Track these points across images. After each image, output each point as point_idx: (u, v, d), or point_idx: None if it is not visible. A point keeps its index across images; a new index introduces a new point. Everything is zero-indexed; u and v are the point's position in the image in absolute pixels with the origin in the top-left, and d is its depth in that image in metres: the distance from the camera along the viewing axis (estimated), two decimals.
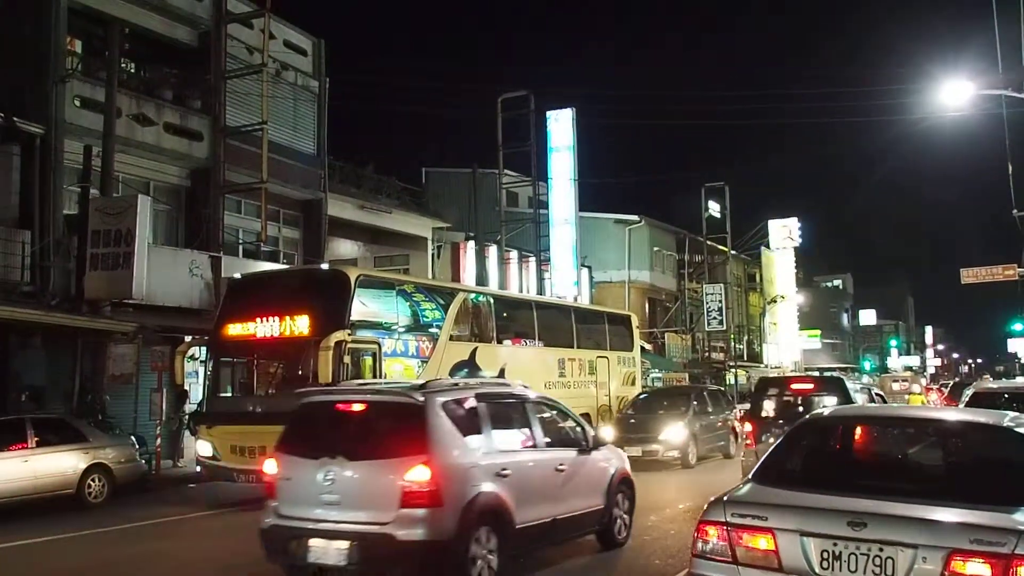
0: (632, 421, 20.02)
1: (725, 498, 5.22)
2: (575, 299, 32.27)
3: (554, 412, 9.68)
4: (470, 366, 17.47)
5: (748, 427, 14.71)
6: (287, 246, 25.13)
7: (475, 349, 17.78)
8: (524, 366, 19.15)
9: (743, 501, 5.16)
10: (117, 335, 17.76)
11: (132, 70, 22.00)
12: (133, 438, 16.63)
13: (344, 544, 7.29)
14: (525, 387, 9.55)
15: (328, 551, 7.34)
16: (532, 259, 35.04)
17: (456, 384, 8.90)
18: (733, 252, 52.49)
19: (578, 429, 9.68)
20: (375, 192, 30.63)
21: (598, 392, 21.99)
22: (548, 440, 8.98)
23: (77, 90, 19.10)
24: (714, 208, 49.86)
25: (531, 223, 35.13)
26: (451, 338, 17.28)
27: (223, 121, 22.13)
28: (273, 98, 23.10)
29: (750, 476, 5.62)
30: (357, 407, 8.09)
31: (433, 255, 32.17)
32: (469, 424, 7.98)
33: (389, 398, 8.23)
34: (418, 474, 7.24)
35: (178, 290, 19.67)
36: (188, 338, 16.98)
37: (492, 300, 19.65)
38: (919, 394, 44.98)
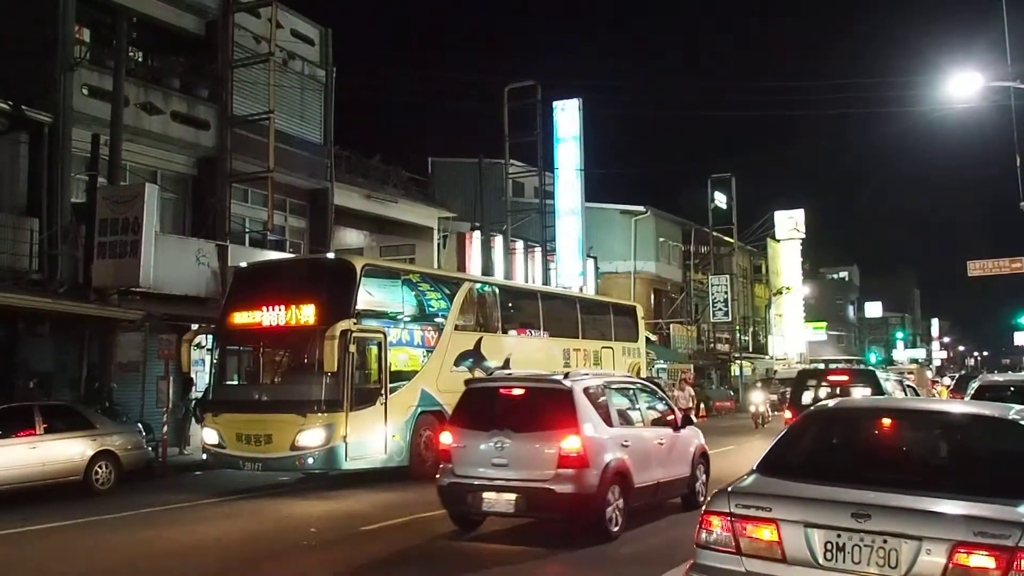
0: None
1: (729, 489, 5.23)
2: (580, 290, 32.28)
3: (655, 397, 11.78)
4: (475, 356, 17.50)
5: (788, 415, 16.68)
6: (293, 235, 25.16)
7: (480, 339, 17.82)
8: (529, 356, 19.16)
9: (747, 492, 5.17)
10: (124, 323, 17.85)
11: (140, 59, 22.04)
12: (140, 425, 16.74)
13: (512, 496, 9.41)
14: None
15: (499, 501, 9.49)
16: (538, 249, 35.04)
17: (588, 373, 11.34)
18: (739, 243, 52.49)
19: (671, 411, 11.72)
20: (381, 182, 30.64)
21: None
22: (653, 418, 11.23)
23: (85, 79, 19.13)
24: (720, 199, 49.81)
25: (537, 213, 35.16)
26: (456, 328, 17.32)
27: (230, 110, 22.15)
28: (280, 87, 23.10)
29: (754, 467, 5.63)
30: (518, 391, 10.30)
31: (439, 245, 32.20)
32: (601, 405, 10.06)
33: (544, 384, 10.27)
34: (570, 443, 9.30)
35: (185, 278, 19.71)
36: (195, 326, 17.03)
37: (497, 290, 19.67)
38: (947, 386, 44.90)
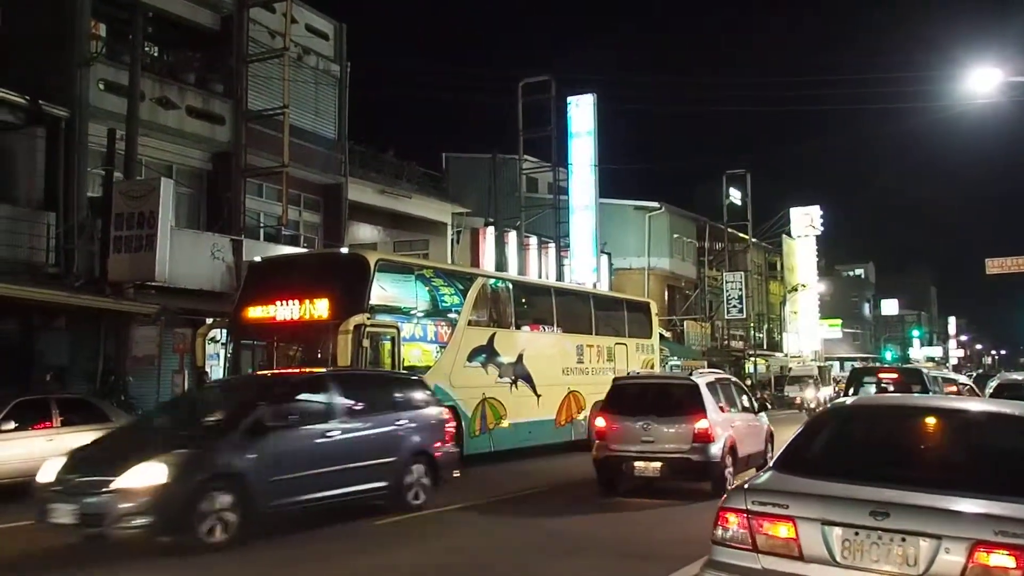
0: None
1: (746, 485, 5.20)
2: (594, 286, 32.22)
3: (741, 390, 14.79)
4: (488, 351, 17.46)
5: None
6: (308, 230, 25.20)
7: (494, 334, 17.77)
8: (542, 352, 19.14)
9: (764, 489, 5.14)
10: (140, 317, 17.91)
11: (155, 54, 22.12)
12: None
13: (658, 464, 12.51)
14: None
15: (648, 468, 12.53)
16: (552, 245, 35.02)
17: (703, 371, 14.87)
18: (754, 240, 52.31)
19: (751, 400, 14.91)
20: (395, 177, 30.66)
21: None
22: (743, 406, 14.33)
23: (101, 73, 19.20)
24: (735, 195, 49.66)
25: (551, 209, 35.11)
26: (469, 323, 17.27)
27: (245, 105, 22.20)
28: (294, 82, 23.14)
29: (771, 464, 5.60)
30: (658, 386, 13.94)
31: (453, 240, 32.20)
32: (716, 396, 13.20)
33: (677, 381, 13.96)
34: (702, 424, 12.42)
35: (200, 273, 19.77)
36: (209, 320, 17.09)
37: (511, 285, 19.60)
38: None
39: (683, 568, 7.76)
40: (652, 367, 23.63)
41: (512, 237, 33.13)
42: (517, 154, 34.31)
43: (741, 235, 51.21)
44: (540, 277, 32.57)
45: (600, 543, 9.52)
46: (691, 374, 14.13)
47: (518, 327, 18.96)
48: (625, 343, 22.56)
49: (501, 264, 31.19)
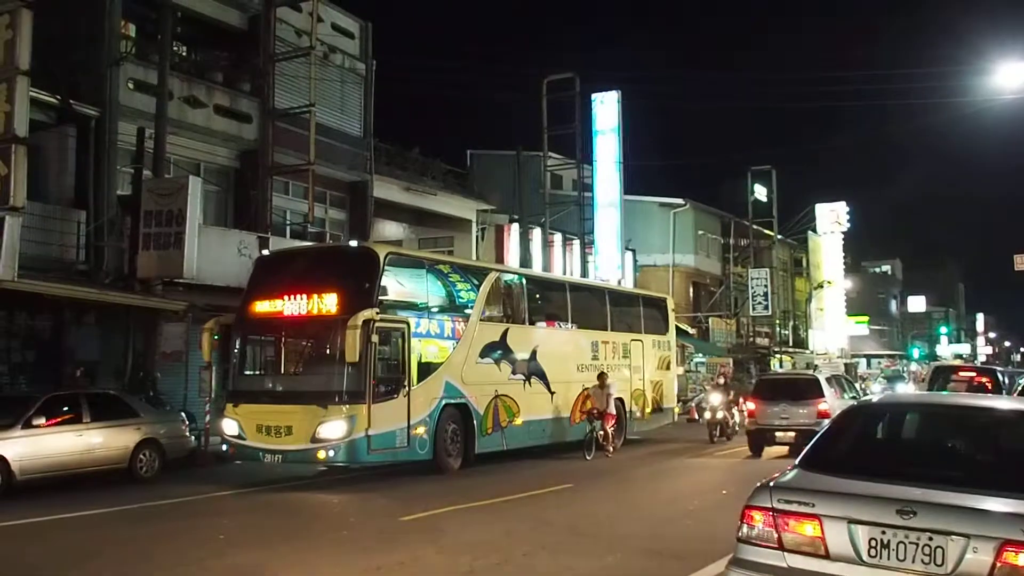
0: None
1: (771, 483, 5.20)
2: (619, 282, 32.16)
3: (848, 381, 21.10)
4: (502, 347, 17.12)
5: None
6: (334, 227, 25.33)
7: (507, 330, 17.45)
8: (557, 348, 18.79)
9: (789, 487, 5.14)
10: (168, 313, 18.10)
11: (184, 53, 22.33)
12: (183, 414, 16.96)
13: (792, 434, 17.99)
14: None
15: (785, 437, 18.31)
16: (576, 242, 34.99)
17: (819, 366, 22.60)
18: (779, 236, 51.96)
19: (856, 391, 20.99)
20: (420, 174, 30.73)
21: (632, 376, 21.42)
22: (851, 395, 19.77)
23: (131, 73, 19.42)
24: (760, 192, 49.35)
25: (575, 206, 35.07)
26: (482, 318, 16.93)
27: (272, 103, 22.36)
28: (321, 81, 23.28)
29: (796, 462, 5.60)
30: (788, 380, 21.01)
31: (477, 237, 32.22)
32: (832, 386, 19.38)
33: (803, 376, 21.98)
34: (823, 406, 17.76)
35: (227, 270, 19.91)
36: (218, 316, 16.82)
37: (524, 280, 19.24)
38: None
39: (708, 566, 7.77)
40: (668, 364, 23.27)
41: (536, 234, 33.13)
42: (542, 151, 34.28)
43: (766, 231, 50.88)
44: (565, 274, 32.51)
45: (624, 540, 9.51)
46: (815, 370, 19.51)
47: (532, 323, 18.60)
48: (641, 339, 22.14)
49: (525, 261, 31.20)
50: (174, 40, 20.80)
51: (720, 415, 21.98)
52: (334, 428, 13.53)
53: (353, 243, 17.68)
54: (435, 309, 16.02)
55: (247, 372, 15.44)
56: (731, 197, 49.04)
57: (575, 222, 34.75)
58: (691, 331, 42.77)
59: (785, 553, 4.93)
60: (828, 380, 19.74)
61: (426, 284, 16.14)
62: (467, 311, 16.69)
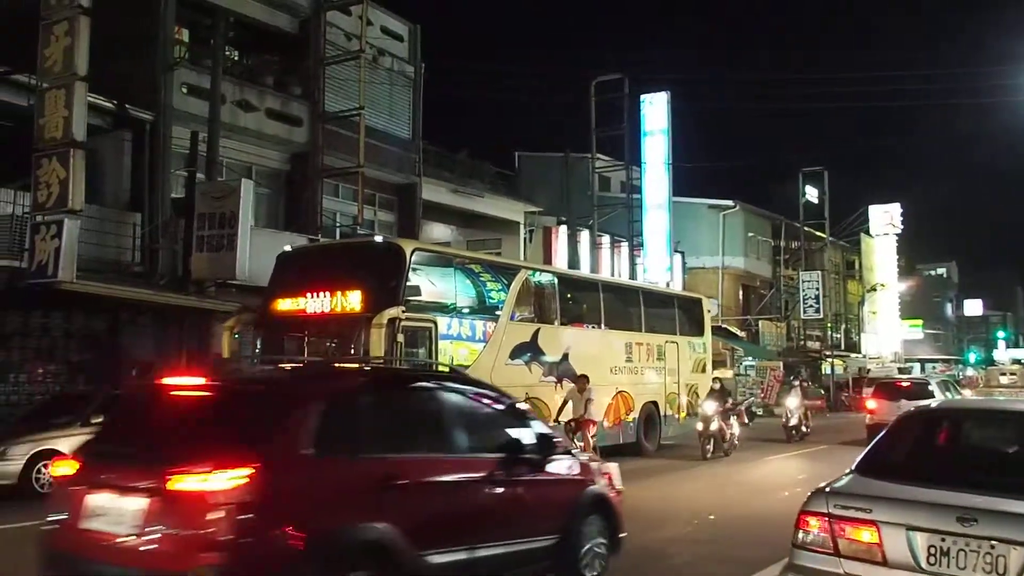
0: None
1: (827, 489, 5.14)
2: (667, 285, 31.95)
3: (958, 386, 25.23)
4: (532, 349, 16.37)
5: None
6: (383, 229, 25.48)
7: (537, 330, 16.68)
8: (589, 350, 17.95)
9: (846, 492, 5.07)
10: (221, 314, 18.34)
11: (236, 58, 22.64)
12: None
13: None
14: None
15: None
16: (624, 244, 34.86)
17: (935, 374, 29.21)
18: (831, 238, 51.26)
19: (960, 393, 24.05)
20: (468, 176, 30.83)
21: (666, 379, 20.66)
22: (961, 397, 22.21)
23: (184, 78, 19.73)
24: (812, 193, 48.74)
25: (624, 208, 34.95)
26: (512, 318, 16.23)
27: (322, 107, 22.58)
28: (370, 84, 23.44)
29: (852, 467, 5.52)
30: (905, 384, 24.79)
31: (525, 239, 32.23)
32: (942, 388, 23.75)
33: (917, 379, 28.31)
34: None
35: None
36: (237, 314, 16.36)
37: (556, 279, 18.55)
38: None
39: (761, 571, 7.68)
40: (704, 367, 22.59)
41: (585, 236, 33.05)
42: (590, 153, 34.21)
43: (818, 233, 50.23)
44: (613, 276, 32.37)
45: (675, 546, 9.40)
46: (927, 375, 21.05)
47: (563, 323, 17.81)
48: (676, 341, 21.35)
49: (574, 263, 31.14)
50: (226, 45, 21.12)
51: (714, 426, 18.81)
52: None
53: (378, 238, 17.09)
54: (463, 308, 15.34)
55: None
56: (782, 199, 48.54)
57: (623, 224, 34.61)
58: (740, 334, 42.35)
59: (841, 559, 4.86)
60: (939, 384, 24.53)
61: (454, 282, 15.48)
62: (496, 310, 16.01)
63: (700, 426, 18.93)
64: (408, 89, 26.05)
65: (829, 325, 51.33)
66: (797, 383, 25.27)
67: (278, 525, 5.12)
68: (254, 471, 5.03)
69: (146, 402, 6.32)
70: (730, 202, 44.23)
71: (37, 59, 15.27)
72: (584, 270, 30.19)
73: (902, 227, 58.08)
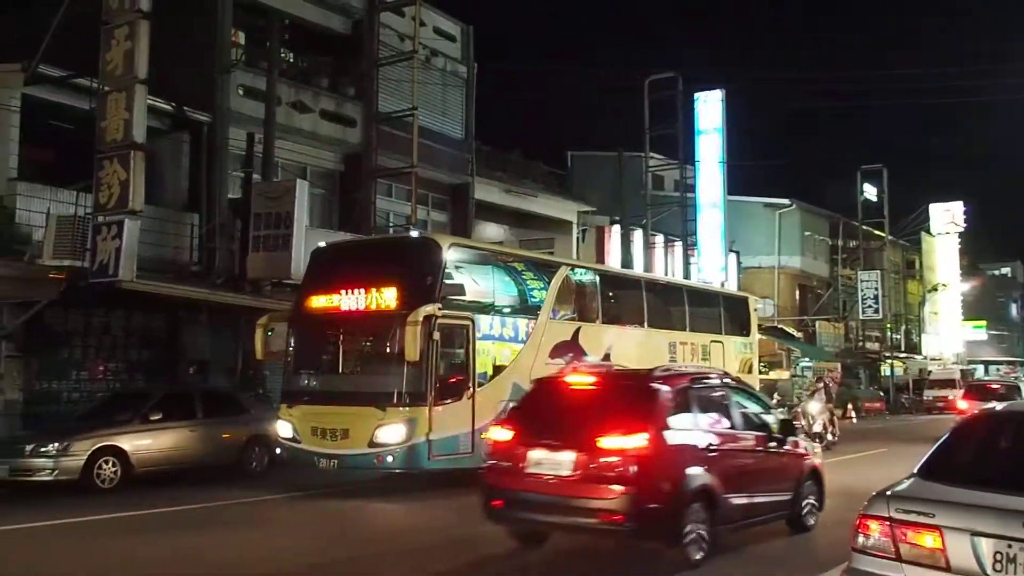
0: None
1: (888, 492, 5.01)
2: (722, 284, 31.57)
3: None
4: (573, 348, 15.86)
5: None
6: (436, 229, 25.57)
7: (578, 329, 16.16)
8: (631, 350, 17.30)
9: (908, 496, 4.94)
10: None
11: (291, 59, 22.87)
12: None
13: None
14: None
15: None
16: (678, 244, 34.57)
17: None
18: (890, 237, 50.32)
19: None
20: (521, 176, 30.81)
21: None
22: None
23: (240, 80, 19.98)
24: (870, 191, 47.93)
25: (677, 207, 34.66)
26: (553, 316, 15.80)
27: (375, 107, 22.71)
28: (423, 84, 23.52)
29: (914, 471, 5.37)
30: (998, 386, 26.68)
31: (578, 239, 32.12)
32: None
33: (1006, 381, 32.92)
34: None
35: None
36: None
37: (598, 276, 18.05)
38: None
39: (820, 575, 7.54)
40: (750, 367, 21.85)
41: (638, 236, 32.85)
42: (642, 152, 33.99)
43: (877, 232, 49.34)
44: (667, 275, 32.06)
45: (726, 547, 9.28)
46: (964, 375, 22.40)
47: (605, 322, 17.25)
48: (722, 341, 20.64)
49: (627, 263, 30.96)
50: (281, 47, 21.36)
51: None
52: (393, 432, 12.62)
53: (414, 233, 16.77)
54: (502, 305, 14.91)
55: (302, 371, 14.45)
56: (839, 197, 47.80)
57: (677, 223, 34.34)
58: (797, 334, 41.77)
59: (903, 564, 4.74)
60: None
61: (492, 278, 15.03)
62: (536, 308, 15.58)
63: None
64: (460, 89, 26.11)
65: (889, 326, 50.41)
66: (821, 384, 24.02)
67: (660, 470, 8.05)
68: (648, 436, 8.04)
69: (551, 391, 9.24)
70: (786, 201, 43.66)
71: (99, 63, 15.55)
72: (637, 270, 29.97)
73: (964, 225, 56.77)
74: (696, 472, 8.29)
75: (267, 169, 19.30)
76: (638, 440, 7.99)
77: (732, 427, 9.16)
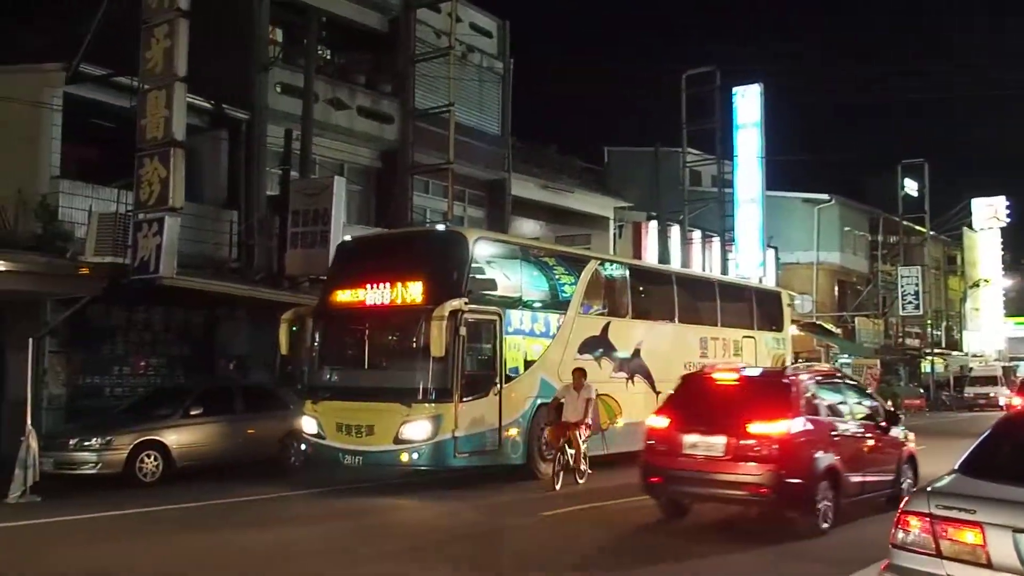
0: None
1: (928, 488, 4.98)
2: (760, 280, 31.31)
3: None
4: (602, 343, 15.81)
5: None
6: (472, 225, 25.60)
7: (608, 324, 16.05)
8: (662, 345, 17.27)
9: (949, 492, 4.90)
10: None
11: (328, 56, 23.02)
12: None
13: None
14: None
15: None
16: (716, 239, 34.36)
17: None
18: (931, 233, 49.62)
19: None
20: (557, 172, 30.77)
21: None
22: None
23: (278, 77, 20.13)
24: (911, 186, 47.30)
25: (715, 202, 34.43)
26: (581, 311, 15.61)
27: (412, 104, 22.77)
28: (460, 80, 23.55)
29: (955, 467, 5.32)
30: None
31: (615, 235, 32.02)
32: None
33: None
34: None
35: None
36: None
37: (628, 271, 17.82)
38: None
39: (860, 571, 7.50)
40: (783, 363, 21.35)
41: (675, 231, 32.69)
42: (680, 147, 33.80)
43: (918, 228, 48.67)
44: (704, 271, 31.87)
45: (767, 541, 9.28)
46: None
47: (635, 317, 17.04)
48: (754, 336, 20.40)
49: (664, 258, 30.83)
50: (319, 44, 21.49)
51: None
52: (418, 428, 12.54)
53: (440, 226, 16.70)
54: (530, 299, 14.74)
55: (327, 366, 14.35)
56: (879, 192, 47.14)
57: (715, 219, 34.11)
58: (836, 331, 41.32)
59: (944, 561, 4.70)
60: None
61: (520, 272, 14.88)
62: (565, 303, 15.43)
63: None
64: (497, 85, 26.12)
65: (929, 322, 49.73)
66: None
67: (797, 451, 9.48)
68: (788, 422, 9.55)
69: (699, 385, 10.83)
70: (825, 196, 43.19)
71: (139, 61, 15.76)
72: (675, 265, 29.81)
73: (1007, 220, 55.83)
74: (824, 454, 9.73)
75: (305, 166, 19.45)
76: (780, 426, 9.51)
77: (849, 417, 10.79)
